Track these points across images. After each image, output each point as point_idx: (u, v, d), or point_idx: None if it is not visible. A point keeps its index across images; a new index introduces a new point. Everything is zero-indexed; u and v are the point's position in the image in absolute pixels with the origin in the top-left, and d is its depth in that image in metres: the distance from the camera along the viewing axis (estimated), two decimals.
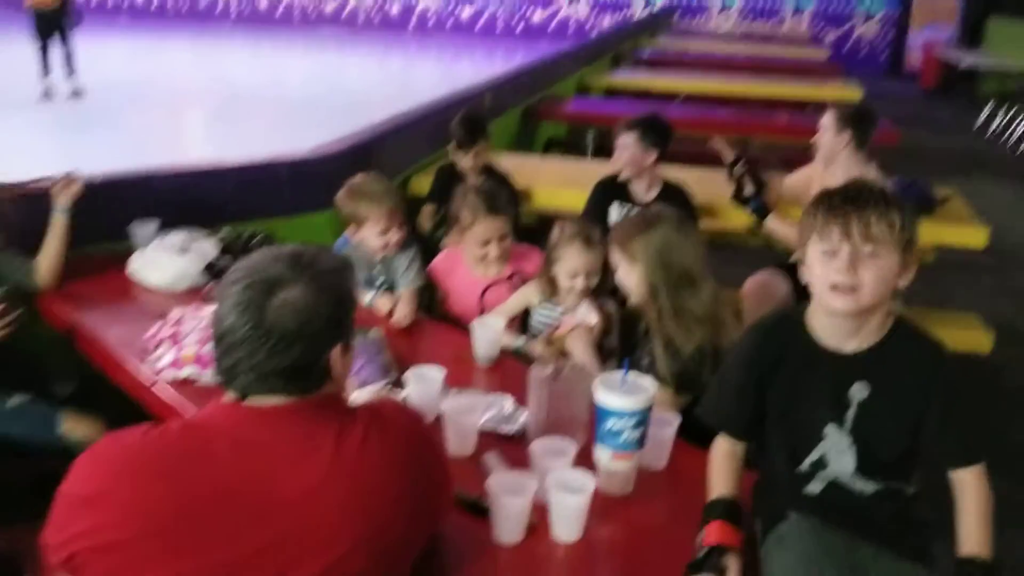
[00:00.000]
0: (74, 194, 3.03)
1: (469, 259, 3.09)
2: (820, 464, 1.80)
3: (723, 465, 1.85)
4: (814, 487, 1.81)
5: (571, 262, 2.70)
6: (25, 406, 2.62)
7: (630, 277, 2.43)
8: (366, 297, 2.71)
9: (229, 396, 1.47)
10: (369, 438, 1.46)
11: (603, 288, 2.79)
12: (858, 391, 1.76)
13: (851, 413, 1.76)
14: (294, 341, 1.41)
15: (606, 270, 2.76)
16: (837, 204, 1.68)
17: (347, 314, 1.51)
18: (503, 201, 3.03)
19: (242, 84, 8.33)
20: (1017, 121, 10.94)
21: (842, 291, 1.67)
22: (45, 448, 2.57)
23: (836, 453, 1.78)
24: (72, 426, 2.57)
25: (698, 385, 2.28)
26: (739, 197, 3.97)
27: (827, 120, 3.79)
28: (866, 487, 1.78)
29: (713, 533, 1.68)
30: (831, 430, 1.78)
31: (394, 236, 2.92)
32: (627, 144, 3.75)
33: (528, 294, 2.89)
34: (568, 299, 2.78)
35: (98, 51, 10.61)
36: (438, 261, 3.20)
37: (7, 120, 6.94)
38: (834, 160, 3.80)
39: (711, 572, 1.61)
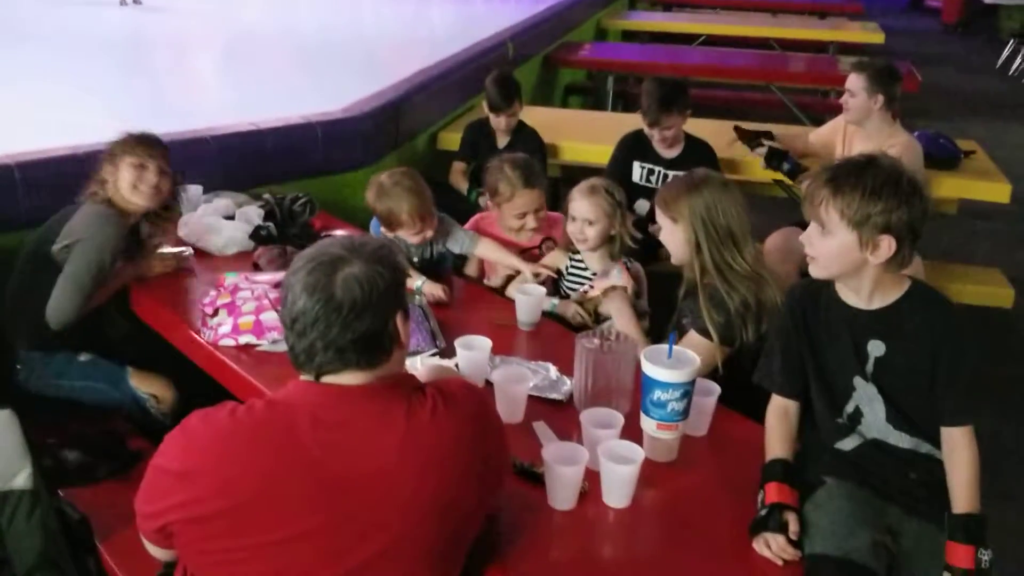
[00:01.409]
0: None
1: (504, 226, 3.20)
2: (856, 416, 1.91)
3: (777, 426, 1.97)
4: (850, 442, 1.92)
5: (572, 207, 2.84)
6: (94, 361, 2.78)
7: (674, 236, 2.48)
8: (415, 282, 2.79)
9: (305, 375, 1.57)
10: (437, 414, 1.56)
11: (618, 246, 2.89)
12: (874, 348, 1.88)
13: (870, 366, 1.88)
14: (364, 310, 1.51)
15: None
16: (812, 182, 1.88)
17: (402, 283, 1.62)
18: (538, 173, 3.12)
19: (256, 28, 8.28)
20: None
21: (808, 258, 1.90)
22: (113, 404, 2.73)
23: (867, 402, 1.90)
24: (139, 382, 2.72)
25: (739, 339, 2.37)
26: (771, 162, 4.04)
27: (857, 82, 3.76)
28: (900, 440, 1.88)
29: (773, 493, 1.79)
30: (859, 382, 1.90)
31: (428, 232, 2.93)
32: (675, 123, 3.82)
33: (556, 257, 3.00)
34: (590, 260, 2.89)
35: None
36: (473, 223, 3.28)
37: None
38: (864, 122, 3.82)
39: (773, 528, 1.73)
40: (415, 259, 3.03)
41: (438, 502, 1.52)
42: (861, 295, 1.88)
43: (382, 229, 2.99)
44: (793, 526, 1.73)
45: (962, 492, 1.78)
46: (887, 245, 1.78)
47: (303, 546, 1.47)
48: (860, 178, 1.79)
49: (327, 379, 1.55)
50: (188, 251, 3.04)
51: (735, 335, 2.38)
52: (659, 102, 3.77)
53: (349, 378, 1.55)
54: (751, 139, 4.19)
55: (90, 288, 2.71)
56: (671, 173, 3.92)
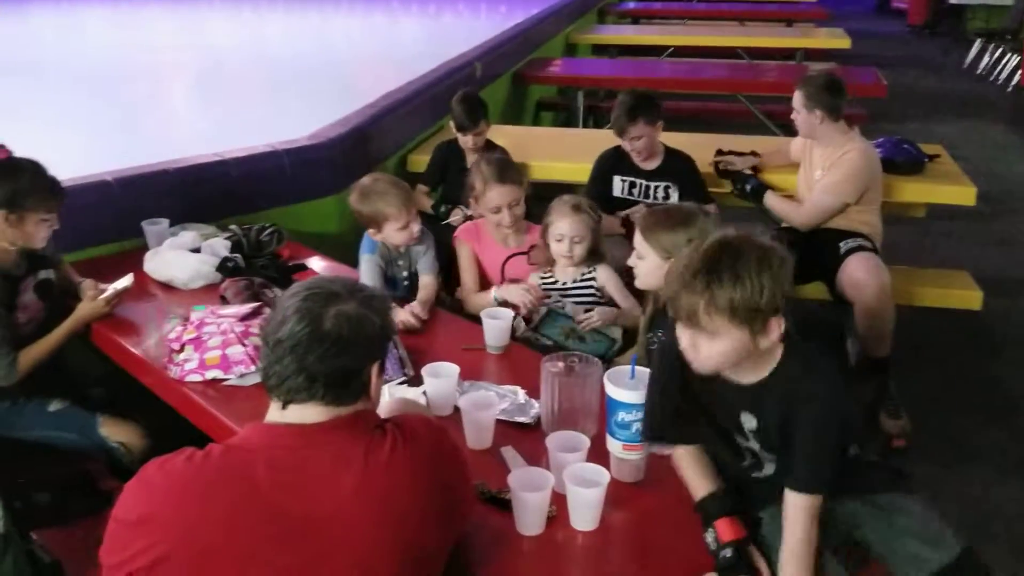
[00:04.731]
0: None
1: (490, 228, 3.28)
2: (757, 465, 1.85)
3: (694, 465, 1.89)
4: (769, 468, 1.84)
5: (558, 226, 2.93)
6: (65, 410, 2.73)
7: (658, 267, 2.45)
8: None
9: (272, 412, 1.59)
10: (396, 451, 1.56)
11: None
12: (747, 420, 1.79)
13: (749, 435, 1.81)
14: (345, 348, 1.54)
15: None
16: (676, 284, 1.67)
17: (388, 337, 1.67)
18: (513, 170, 3.21)
19: (227, 52, 8.30)
20: (1005, 60, 10.96)
21: (692, 360, 1.72)
22: (84, 450, 2.68)
23: (760, 456, 1.83)
24: (110, 430, 2.68)
25: None
26: (737, 186, 4.10)
27: (797, 100, 3.79)
28: None
29: (726, 530, 1.73)
30: (742, 441, 1.83)
31: (415, 226, 2.99)
32: (643, 133, 3.84)
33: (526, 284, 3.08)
34: (562, 273, 2.99)
35: (75, 21, 10.64)
36: (463, 230, 3.36)
37: None
38: (814, 136, 3.85)
39: (743, 571, 1.68)
40: (404, 274, 3.09)
41: (399, 541, 1.53)
42: (737, 373, 1.75)
43: (370, 232, 3.02)
44: (762, 565, 1.71)
45: (786, 564, 1.69)
46: (777, 325, 1.66)
47: None
48: (733, 270, 1.61)
49: (292, 409, 1.56)
50: (128, 278, 2.90)
51: None
52: (625, 112, 3.83)
53: (312, 413, 1.56)
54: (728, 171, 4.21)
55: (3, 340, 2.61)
56: (652, 184, 3.97)
